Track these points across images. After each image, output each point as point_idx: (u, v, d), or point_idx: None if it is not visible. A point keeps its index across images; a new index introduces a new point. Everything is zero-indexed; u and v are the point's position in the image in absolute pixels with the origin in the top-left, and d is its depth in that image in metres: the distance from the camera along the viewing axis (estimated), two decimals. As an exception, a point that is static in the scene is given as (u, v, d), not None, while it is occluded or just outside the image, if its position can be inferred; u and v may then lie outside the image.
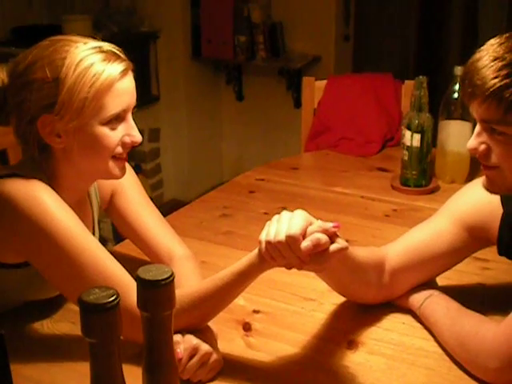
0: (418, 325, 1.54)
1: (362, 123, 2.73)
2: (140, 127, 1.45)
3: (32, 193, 1.36)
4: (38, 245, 1.37)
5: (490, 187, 1.37)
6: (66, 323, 1.54)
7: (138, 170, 4.18)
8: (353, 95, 2.80)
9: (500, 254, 1.52)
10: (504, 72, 1.21)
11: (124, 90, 1.39)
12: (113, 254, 1.41)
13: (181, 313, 1.25)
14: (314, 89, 2.81)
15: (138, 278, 1.02)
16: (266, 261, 1.29)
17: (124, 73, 1.39)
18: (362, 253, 1.52)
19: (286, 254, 1.26)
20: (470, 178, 2.21)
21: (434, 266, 1.57)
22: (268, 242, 1.26)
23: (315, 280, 1.52)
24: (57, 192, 1.40)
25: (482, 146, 1.31)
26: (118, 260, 1.40)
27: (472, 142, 1.33)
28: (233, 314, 1.54)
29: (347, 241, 1.33)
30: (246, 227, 2.04)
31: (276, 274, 1.40)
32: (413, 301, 1.56)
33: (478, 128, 1.32)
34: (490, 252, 1.58)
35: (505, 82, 1.21)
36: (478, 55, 1.27)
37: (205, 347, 1.35)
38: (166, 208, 2.52)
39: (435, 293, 1.54)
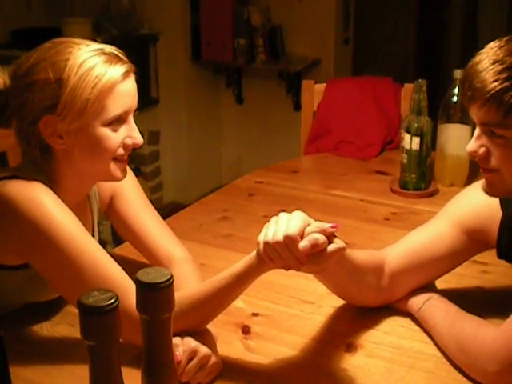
0: (417, 328, 1.54)
1: (361, 126, 2.74)
2: (139, 130, 1.46)
3: (32, 195, 1.36)
4: (38, 247, 1.37)
5: (490, 190, 1.37)
6: (65, 326, 1.54)
7: (137, 172, 4.18)
8: (352, 98, 2.80)
9: (499, 257, 1.52)
10: (504, 75, 1.21)
11: (126, 91, 1.40)
12: (112, 256, 1.41)
13: (180, 315, 1.25)
14: (314, 92, 2.81)
15: (137, 281, 1.02)
16: (265, 262, 1.29)
17: (126, 75, 1.39)
18: (361, 255, 1.52)
19: (284, 254, 1.26)
20: (470, 181, 2.21)
21: (434, 269, 1.57)
22: (266, 243, 1.26)
23: (314, 283, 1.52)
24: (57, 194, 1.41)
25: (482, 149, 1.31)
26: (118, 262, 1.40)
27: (471, 145, 1.33)
28: (232, 316, 1.54)
29: (346, 244, 1.32)
30: (245, 230, 2.04)
31: (275, 277, 1.40)
32: (412, 304, 1.56)
33: (477, 131, 1.32)
34: (489, 255, 1.58)
35: (505, 85, 1.21)
36: (477, 58, 1.27)
37: (204, 350, 1.35)
38: (166, 211, 2.52)
39: (434, 296, 1.54)
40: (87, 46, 1.40)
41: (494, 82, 1.22)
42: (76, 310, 0.95)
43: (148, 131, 4.25)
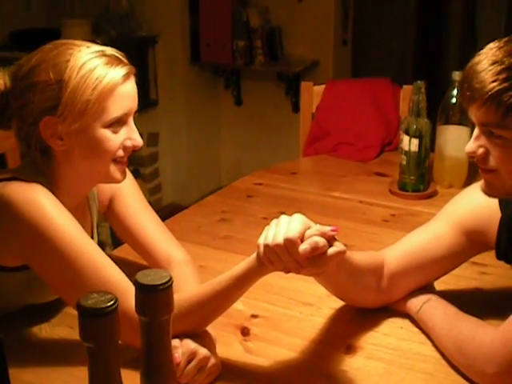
0: (416, 329, 1.54)
1: (360, 128, 2.74)
2: (139, 131, 1.46)
3: (31, 197, 1.36)
4: (37, 249, 1.37)
5: (489, 191, 1.37)
6: (64, 327, 1.54)
7: (136, 174, 4.17)
8: (351, 100, 2.80)
9: (498, 258, 1.52)
10: (503, 76, 1.21)
11: (126, 93, 1.40)
12: (111, 258, 1.41)
13: (179, 317, 1.25)
14: (313, 93, 2.81)
15: (136, 283, 1.02)
16: (265, 265, 1.29)
17: (126, 77, 1.40)
18: (360, 257, 1.52)
19: (284, 257, 1.26)
20: (468, 182, 2.21)
21: (432, 270, 1.57)
22: (266, 246, 1.26)
23: (313, 285, 1.51)
24: (57, 196, 1.41)
25: (481, 150, 1.31)
26: (117, 264, 1.40)
27: (470, 146, 1.33)
28: (231, 318, 1.54)
29: (345, 245, 1.32)
30: (244, 232, 2.04)
31: (274, 279, 1.40)
32: (411, 305, 1.56)
33: (476, 131, 1.33)
34: (488, 256, 1.58)
35: (503, 85, 1.21)
36: (477, 59, 1.28)
37: (203, 351, 1.35)
38: (165, 212, 2.52)
39: (433, 297, 1.54)
40: (88, 47, 1.40)
41: (492, 82, 1.22)
42: (75, 312, 0.95)
43: (147, 133, 4.25)
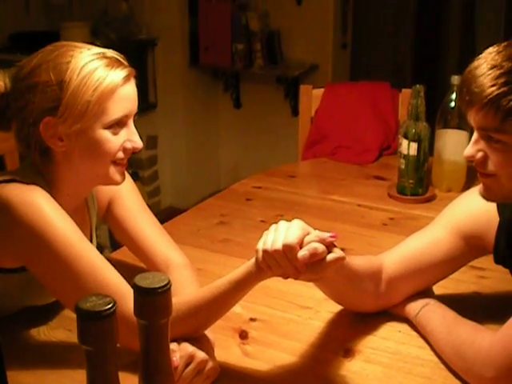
0: (415, 333, 1.54)
1: (359, 131, 2.74)
2: (138, 134, 1.46)
3: (30, 199, 1.36)
4: (35, 251, 1.37)
5: (487, 195, 1.37)
6: (62, 330, 1.54)
7: (135, 177, 4.16)
8: (350, 103, 2.81)
9: (496, 262, 1.52)
10: (502, 80, 1.21)
11: (126, 95, 1.41)
12: (110, 261, 1.41)
13: (177, 321, 1.25)
14: (312, 97, 2.81)
15: (134, 286, 1.01)
16: (263, 270, 1.29)
17: (127, 79, 1.40)
18: (359, 262, 1.52)
19: (282, 263, 1.26)
20: (467, 186, 2.21)
21: (431, 274, 1.57)
22: (265, 251, 1.26)
23: (312, 288, 1.51)
24: (55, 198, 1.41)
25: (479, 154, 1.31)
26: (115, 267, 1.40)
27: (469, 150, 1.33)
28: (229, 321, 1.54)
29: (343, 249, 1.33)
30: (242, 235, 2.04)
31: (272, 282, 1.40)
32: (409, 309, 1.56)
33: (475, 136, 1.33)
34: (487, 261, 1.58)
35: (502, 90, 1.21)
36: (476, 63, 1.28)
37: (201, 355, 1.34)
38: (163, 215, 2.51)
39: (432, 301, 1.54)
40: (89, 49, 1.41)
41: (491, 86, 1.22)
42: (73, 315, 0.95)
43: (146, 136, 4.25)
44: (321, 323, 1.59)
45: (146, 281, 1.01)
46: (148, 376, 1.05)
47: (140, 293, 1.01)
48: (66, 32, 3.72)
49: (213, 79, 4.64)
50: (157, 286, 1.00)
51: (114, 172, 1.46)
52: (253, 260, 1.30)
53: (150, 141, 4.39)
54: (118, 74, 1.39)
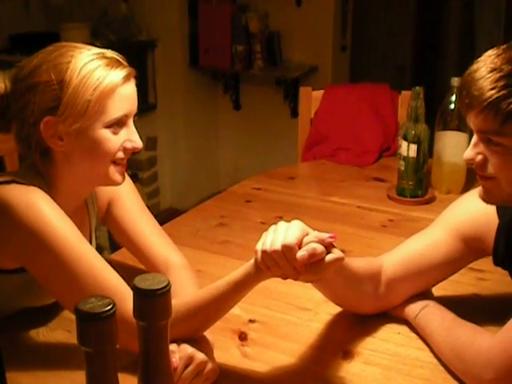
0: (414, 335, 1.54)
1: (358, 133, 2.74)
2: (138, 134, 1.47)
3: (30, 200, 1.36)
4: (34, 253, 1.37)
5: (487, 198, 1.37)
6: (61, 331, 1.54)
7: (134, 178, 4.18)
8: (349, 105, 2.81)
9: (495, 264, 1.52)
10: (501, 83, 1.21)
11: (126, 95, 1.41)
12: (109, 262, 1.41)
13: (177, 322, 1.25)
14: (311, 98, 2.81)
15: (134, 288, 1.01)
16: (262, 271, 1.29)
17: (126, 78, 1.41)
18: (358, 263, 1.52)
19: (281, 263, 1.26)
20: (467, 188, 2.21)
21: (430, 276, 1.57)
22: (264, 252, 1.26)
23: (311, 290, 1.51)
24: (55, 199, 1.41)
25: (479, 157, 1.31)
26: (115, 268, 1.40)
27: (469, 153, 1.33)
28: (228, 323, 1.54)
29: (343, 251, 1.33)
30: (242, 236, 2.04)
31: (272, 284, 1.40)
32: (408, 311, 1.56)
33: (474, 138, 1.33)
34: (486, 263, 1.58)
35: (502, 93, 1.21)
36: (475, 66, 1.28)
37: (200, 356, 1.34)
38: (163, 217, 2.52)
39: (431, 303, 1.54)
40: (89, 50, 1.42)
41: (491, 89, 1.22)
42: (73, 316, 0.95)
43: (145, 137, 4.25)
44: (320, 325, 1.59)
45: (146, 282, 1.01)
46: (147, 377, 1.05)
47: (139, 294, 1.01)
48: (66, 33, 3.72)
49: (212, 80, 4.64)
50: (156, 287, 1.00)
51: (113, 172, 1.46)
52: (252, 261, 1.30)
53: (150, 142, 4.39)
54: (118, 74, 1.39)
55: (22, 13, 4.05)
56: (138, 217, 1.66)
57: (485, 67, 1.25)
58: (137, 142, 1.46)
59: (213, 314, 1.38)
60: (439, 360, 1.44)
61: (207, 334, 1.42)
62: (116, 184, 1.50)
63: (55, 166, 1.45)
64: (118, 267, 1.43)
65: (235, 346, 1.51)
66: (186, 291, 1.50)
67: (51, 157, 1.44)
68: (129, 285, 1.29)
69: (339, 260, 1.30)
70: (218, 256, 1.93)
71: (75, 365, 1.30)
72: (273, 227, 1.30)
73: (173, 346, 1.32)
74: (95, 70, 1.37)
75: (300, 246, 1.26)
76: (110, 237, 2.73)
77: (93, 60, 1.38)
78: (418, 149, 2.24)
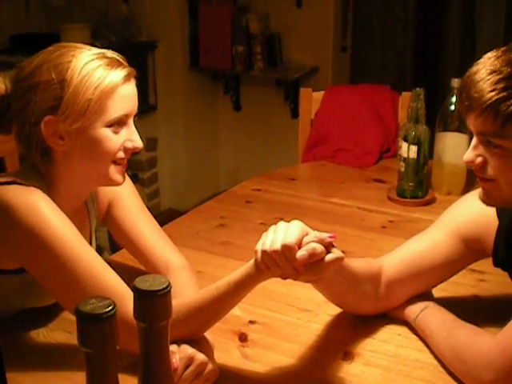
0: (414, 336, 1.54)
1: (359, 134, 2.74)
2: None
3: (30, 201, 1.36)
4: (34, 254, 1.37)
5: (486, 200, 1.37)
6: (62, 332, 1.54)
7: (134, 179, 4.18)
8: (350, 106, 2.81)
9: (495, 265, 1.52)
10: (501, 85, 1.22)
11: (126, 95, 1.42)
12: (109, 263, 1.41)
13: (177, 323, 1.25)
14: (312, 100, 2.81)
15: (134, 289, 1.02)
16: (262, 271, 1.29)
17: (127, 78, 1.41)
18: (358, 264, 1.52)
19: (281, 263, 1.26)
20: (467, 189, 2.21)
21: (430, 277, 1.57)
22: (264, 252, 1.26)
23: (311, 291, 1.51)
24: (55, 199, 1.41)
25: (479, 159, 1.32)
26: (115, 269, 1.40)
27: (468, 155, 1.33)
28: (229, 324, 1.54)
29: (343, 252, 1.33)
30: (242, 237, 2.04)
31: (272, 285, 1.41)
32: (408, 312, 1.56)
33: (474, 141, 1.33)
34: (486, 264, 1.58)
35: (502, 95, 1.21)
36: (475, 68, 1.28)
37: (200, 357, 1.35)
38: (163, 217, 2.52)
39: (431, 304, 1.54)
40: (89, 50, 1.43)
41: (491, 91, 1.22)
42: (73, 317, 0.95)
43: (146, 138, 4.25)
44: (320, 326, 1.59)
45: (146, 283, 1.01)
46: (148, 378, 1.05)
47: (140, 295, 1.01)
48: (66, 34, 3.72)
49: (213, 81, 4.64)
50: (156, 288, 1.00)
51: (114, 172, 1.46)
52: (252, 261, 1.31)
53: (150, 143, 4.39)
54: (118, 74, 1.40)
55: (23, 13, 4.05)
56: (138, 218, 1.66)
57: (484, 69, 1.25)
58: (137, 142, 1.46)
59: (213, 314, 1.38)
60: (439, 361, 1.44)
61: (207, 334, 1.42)
62: (116, 184, 1.50)
63: (56, 166, 1.45)
64: (118, 268, 1.43)
65: (235, 346, 1.51)
66: (186, 292, 1.50)
67: (52, 156, 1.44)
68: (129, 286, 1.29)
69: (339, 260, 1.30)
70: (218, 257, 1.93)
71: (75, 366, 1.30)
72: (272, 227, 1.30)
73: (173, 347, 1.32)
74: (96, 69, 1.38)
75: (300, 245, 1.26)
76: (110, 237, 2.73)
77: (93, 60, 1.39)
78: (418, 150, 2.24)
